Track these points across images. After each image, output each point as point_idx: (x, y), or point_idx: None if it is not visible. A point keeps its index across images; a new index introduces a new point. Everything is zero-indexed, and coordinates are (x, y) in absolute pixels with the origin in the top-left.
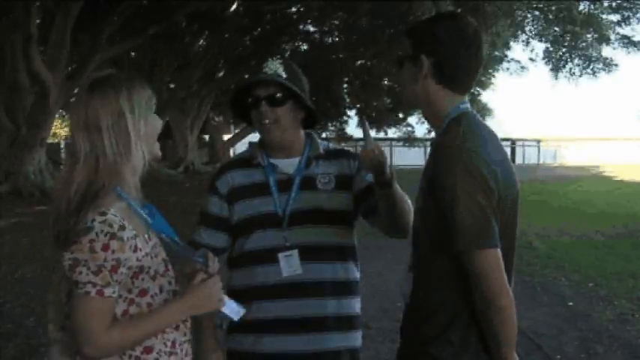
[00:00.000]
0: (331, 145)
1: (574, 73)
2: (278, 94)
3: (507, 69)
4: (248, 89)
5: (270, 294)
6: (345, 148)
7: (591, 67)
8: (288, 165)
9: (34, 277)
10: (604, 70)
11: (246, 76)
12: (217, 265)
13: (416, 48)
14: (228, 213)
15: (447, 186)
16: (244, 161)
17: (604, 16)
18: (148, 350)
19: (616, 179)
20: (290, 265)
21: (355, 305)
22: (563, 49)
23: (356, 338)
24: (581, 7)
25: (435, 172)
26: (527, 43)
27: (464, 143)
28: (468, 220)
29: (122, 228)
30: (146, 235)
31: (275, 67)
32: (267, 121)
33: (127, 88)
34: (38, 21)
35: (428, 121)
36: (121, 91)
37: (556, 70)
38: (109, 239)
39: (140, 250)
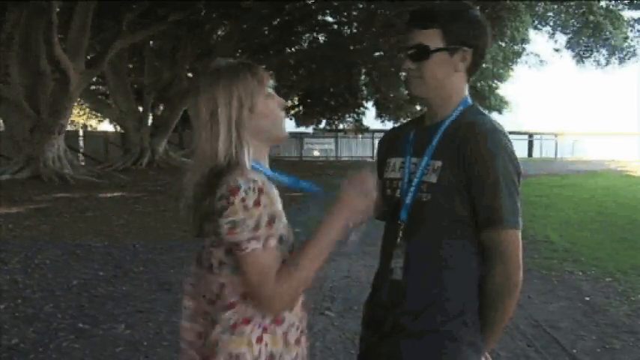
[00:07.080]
0: None
1: (599, 61)
2: None
3: (526, 62)
4: None
5: None
6: None
7: (617, 55)
8: None
9: (54, 262)
10: (628, 58)
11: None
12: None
13: (452, 38)
14: None
15: (494, 167)
16: None
17: (623, 13)
18: (278, 321)
19: (635, 175)
20: None
21: None
22: (587, 39)
23: None
24: (602, 3)
25: (476, 151)
26: (553, 34)
27: (503, 129)
28: (509, 201)
29: (266, 183)
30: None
31: None
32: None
33: (227, 78)
34: (58, 10)
35: (432, 108)
36: (218, 83)
37: (581, 59)
38: (258, 194)
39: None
